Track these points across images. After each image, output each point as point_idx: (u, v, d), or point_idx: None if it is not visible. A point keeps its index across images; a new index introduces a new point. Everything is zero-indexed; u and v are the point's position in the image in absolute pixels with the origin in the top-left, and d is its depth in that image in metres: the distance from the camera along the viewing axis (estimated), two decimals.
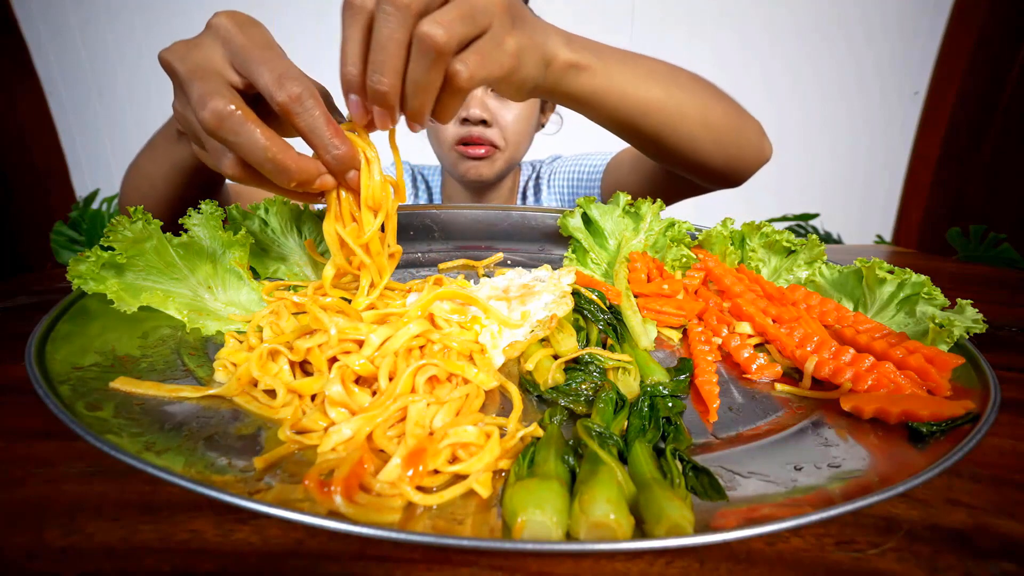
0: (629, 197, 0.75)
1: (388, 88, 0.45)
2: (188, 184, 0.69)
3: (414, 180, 1.29)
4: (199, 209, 0.60)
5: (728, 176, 0.80)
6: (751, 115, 0.78)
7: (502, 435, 0.39)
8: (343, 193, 0.51)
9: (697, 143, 0.71)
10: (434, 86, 0.46)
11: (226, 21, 0.46)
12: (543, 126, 1.23)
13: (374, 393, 0.43)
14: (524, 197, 1.26)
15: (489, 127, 1.03)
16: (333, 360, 0.45)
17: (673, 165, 0.78)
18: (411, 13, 0.43)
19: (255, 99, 0.47)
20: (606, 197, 1.12)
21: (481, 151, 1.05)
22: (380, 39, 0.44)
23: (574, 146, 1.33)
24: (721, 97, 0.74)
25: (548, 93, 0.61)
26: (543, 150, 1.33)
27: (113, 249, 0.53)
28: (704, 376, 0.49)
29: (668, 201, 0.97)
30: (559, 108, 1.23)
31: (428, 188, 1.29)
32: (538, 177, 1.26)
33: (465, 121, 1.03)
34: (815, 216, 2.02)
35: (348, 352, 0.45)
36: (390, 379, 0.43)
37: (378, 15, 0.44)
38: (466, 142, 1.05)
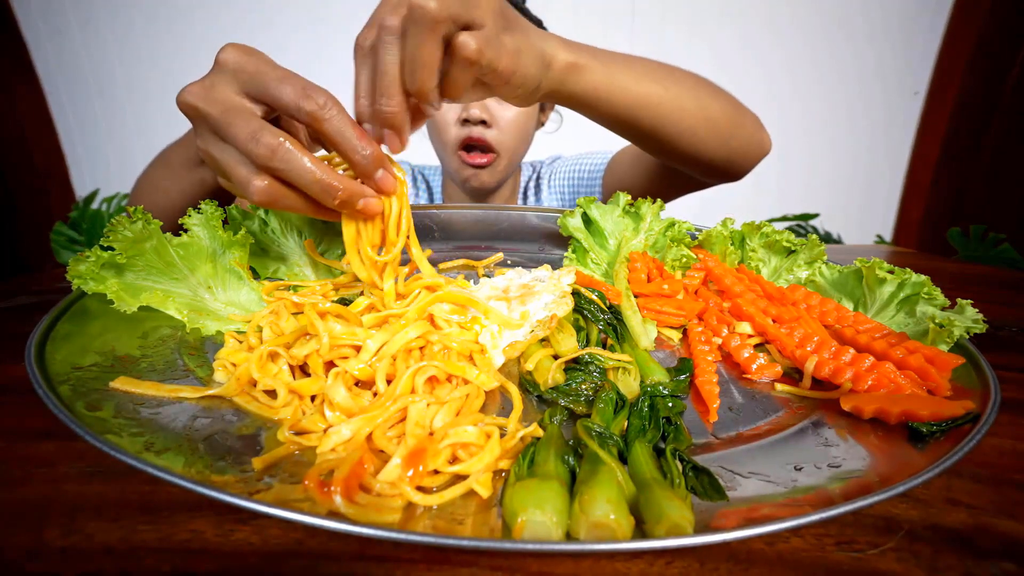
0: (629, 197, 0.75)
1: (395, 108, 0.48)
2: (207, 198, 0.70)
3: (414, 180, 1.29)
4: (199, 209, 0.60)
5: (729, 170, 0.80)
6: (749, 109, 0.79)
7: (502, 435, 0.39)
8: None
9: (697, 137, 0.73)
10: (434, 58, 0.47)
11: (233, 54, 0.48)
12: (543, 124, 1.23)
13: (375, 395, 0.43)
14: (525, 197, 1.26)
15: (489, 127, 1.04)
16: (331, 363, 0.46)
17: (674, 160, 0.79)
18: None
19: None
20: (607, 196, 1.13)
21: (483, 160, 1.06)
22: (382, 66, 0.47)
23: (574, 144, 1.33)
24: (718, 92, 0.75)
25: (550, 95, 0.63)
26: (543, 149, 1.32)
27: (113, 249, 0.53)
28: (704, 376, 0.49)
29: (669, 197, 0.98)
30: (558, 107, 1.23)
31: (428, 188, 1.29)
32: (539, 177, 1.26)
33: (465, 122, 1.03)
34: (815, 216, 2.02)
35: (346, 357, 0.45)
36: (388, 382, 0.43)
37: (378, 46, 0.47)
38: (468, 146, 1.05)
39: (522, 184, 1.28)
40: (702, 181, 0.87)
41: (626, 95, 0.66)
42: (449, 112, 1.04)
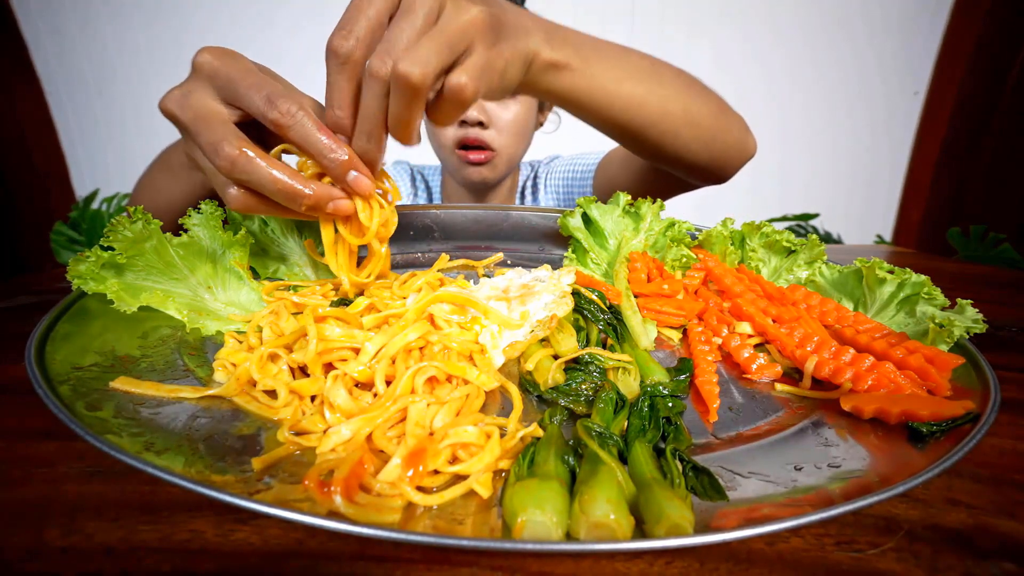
0: (629, 197, 0.75)
1: (376, 154, 0.50)
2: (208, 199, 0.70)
3: (413, 180, 1.29)
4: (199, 209, 0.60)
5: (712, 172, 0.80)
6: (735, 111, 0.78)
7: (502, 435, 0.39)
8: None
9: (680, 140, 0.72)
10: (415, 117, 0.47)
11: (207, 58, 0.48)
12: (541, 124, 1.24)
13: (375, 396, 0.43)
14: (522, 196, 1.27)
15: (486, 128, 1.05)
16: (330, 365, 0.46)
17: (658, 160, 0.79)
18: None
19: (252, 123, 0.49)
20: (598, 195, 1.13)
21: (481, 156, 1.06)
22: (365, 110, 0.47)
23: (573, 144, 1.33)
24: (705, 93, 0.74)
25: (528, 90, 0.61)
26: (542, 149, 1.33)
27: (113, 249, 0.53)
28: (704, 376, 0.49)
29: (660, 198, 0.99)
30: (556, 107, 1.24)
31: (428, 188, 1.29)
32: (536, 177, 1.27)
33: (463, 123, 1.04)
34: (815, 216, 2.02)
35: (345, 359, 0.45)
36: (387, 384, 0.43)
37: (364, 83, 0.46)
38: (465, 146, 1.06)
39: (520, 183, 1.28)
40: (689, 183, 0.87)
41: (607, 96, 0.65)
42: None
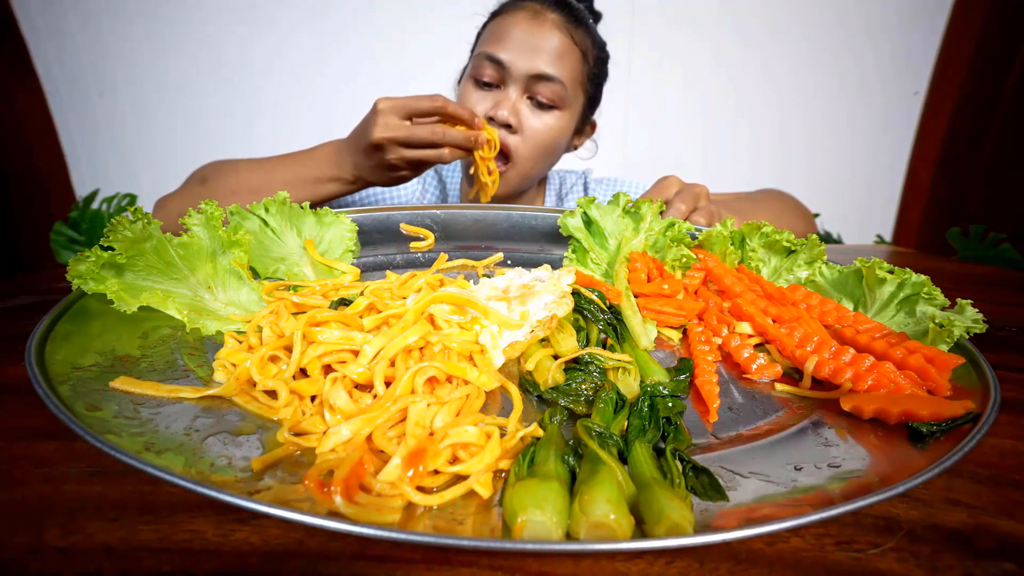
0: (629, 196, 0.75)
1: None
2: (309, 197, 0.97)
3: (423, 176, 1.26)
4: (199, 209, 0.60)
5: None
6: (811, 215, 1.21)
7: (502, 435, 0.39)
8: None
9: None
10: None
11: (385, 103, 0.86)
12: (575, 148, 1.21)
13: (375, 397, 0.43)
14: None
15: (513, 133, 1.01)
16: (329, 367, 0.46)
17: None
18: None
19: None
20: None
21: (497, 167, 1.04)
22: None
23: (594, 163, 1.32)
24: (802, 211, 1.19)
25: None
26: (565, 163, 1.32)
27: (113, 249, 0.53)
28: (704, 376, 0.49)
29: None
30: (596, 135, 1.23)
31: (442, 184, 1.27)
32: (570, 187, 1.28)
33: (491, 120, 0.99)
34: (815, 216, 2.02)
35: (344, 361, 0.45)
36: (387, 385, 0.43)
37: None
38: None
39: (548, 195, 1.28)
40: None
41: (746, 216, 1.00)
42: (477, 107, 1.00)
